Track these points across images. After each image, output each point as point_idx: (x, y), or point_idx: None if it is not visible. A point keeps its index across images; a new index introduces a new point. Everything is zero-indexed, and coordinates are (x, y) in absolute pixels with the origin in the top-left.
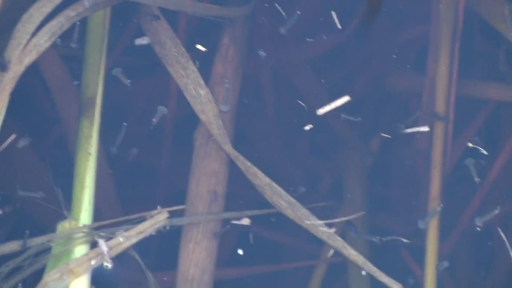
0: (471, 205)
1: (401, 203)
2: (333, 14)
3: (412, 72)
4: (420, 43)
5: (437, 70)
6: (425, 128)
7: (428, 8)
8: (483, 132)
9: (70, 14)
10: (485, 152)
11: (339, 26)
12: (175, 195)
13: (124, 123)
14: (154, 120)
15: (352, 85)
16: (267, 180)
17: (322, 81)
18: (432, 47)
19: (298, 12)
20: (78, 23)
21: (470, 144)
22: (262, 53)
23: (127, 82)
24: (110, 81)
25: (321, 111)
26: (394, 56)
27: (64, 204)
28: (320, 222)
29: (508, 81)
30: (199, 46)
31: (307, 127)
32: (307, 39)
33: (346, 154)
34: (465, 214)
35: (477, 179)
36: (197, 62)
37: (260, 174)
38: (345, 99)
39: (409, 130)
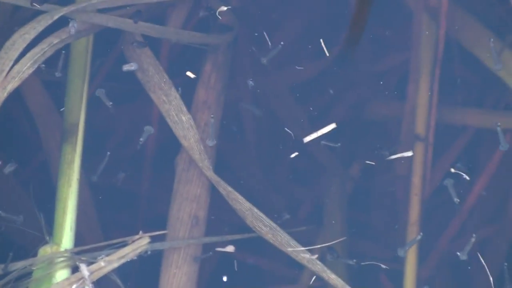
0: (450, 229)
1: (381, 228)
2: (321, 41)
3: (392, 99)
4: (401, 70)
5: (417, 97)
6: (408, 153)
7: (409, 35)
8: (463, 158)
9: (53, 41)
10: (467, 178)
11: (327, 54)
12: (156, 220)
13: (108, 152)
14: (141, 139)
15: (333, 111)
16: (248, 205)
17: (303, 107)
18: (413, 74)
19: (281, 43)
20: (63, 51)
21: (452, 170)
22: (250, 83)
23: (109, 104)
24: (92, 107)
25: (307, 139)
26: (375, 82)
27: (46, 228)
28: (302, 248)
29: (487, 107)
30: (188, 73)
31: (293, 155)
32: (289, 66)
33: (326, 180)
34: (444, 238)
35: (456, 200)
36: (179, 89)
37: (241, 199)
38: (331, 126)
39: (394, 157)
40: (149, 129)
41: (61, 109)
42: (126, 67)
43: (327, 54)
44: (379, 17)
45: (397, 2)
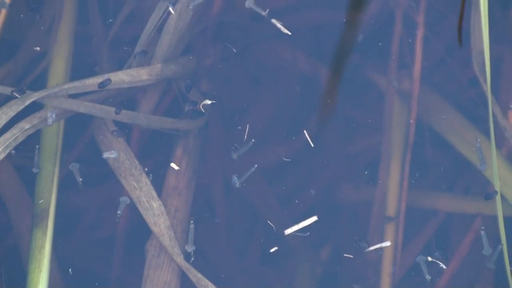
0: None
1: None
2: (305, 132)
3: (364, 182)
4: (372, 154)
5: (388, 180)
6: (387, 243)
7: (381, 118)
8: (433, 243)
9: (25, 126)
10: (444, 267)
11: (312, 144)
12: None
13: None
14: (119, 212)
15: (304, 195)
16: None
17: (274, 190)
18: (384, 157)
19: (252, 140)
20: (37, 146)
21: (429, 258)
22: (235, 179)
23: (79, 180)
24: (63, 192)
25: (289, 231)
26: (346, 165)
27: None
28: None
29: (457, 192)
30: (173, 165)
31: (272, 249)
32: (260, 149)
33: (296, 264)
34: None
35: (428, 277)
36: (150, 175)
37: (211, 286)
38: (312, 219)
39: (372, 248)
40: (125, 200)
41: (40, 201)
42: (106, 155)
43: (312, 145)
44: (351, 99)
45: (369, 85)
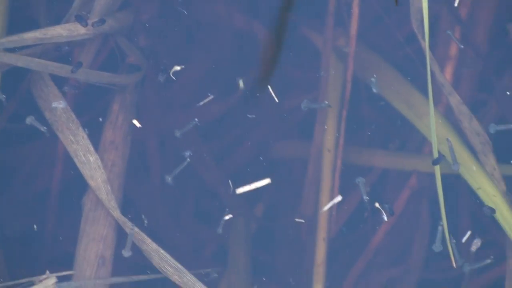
0: (355, 269)
1: (286, 269)
2: (269, 88)
3: (299, 138)
4: (308, 110)
5: (324, 137)
6: (338, 198)
7: (317, 75)
8: (369, 198)
9: None
10: (385, 219)
11: (276, 100)
12: (64, 259)
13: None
14: (44, 128)
15: (239, 150)
16: (154, 246)
17: (210, 146)
18: (320, 114)
19: (195, 119)
20: None
21: (377, 204)
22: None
23: (43, 129)
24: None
25: (240, 190)
26: (282, 122)
27: None
28: None
29: (393, 149)
30: (134, 121)
31: (226, 217)
32: (196, 105)
33: (231, 220)
34: (349, 279)
35: (366, 198)
36: (86, 129)
37: (147, 240)
38: (265, 181)
39: (326, 208)
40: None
41: None
42: (54, 104)
43: (277, 100)
44: (288, 56)
45: (306, 42)
